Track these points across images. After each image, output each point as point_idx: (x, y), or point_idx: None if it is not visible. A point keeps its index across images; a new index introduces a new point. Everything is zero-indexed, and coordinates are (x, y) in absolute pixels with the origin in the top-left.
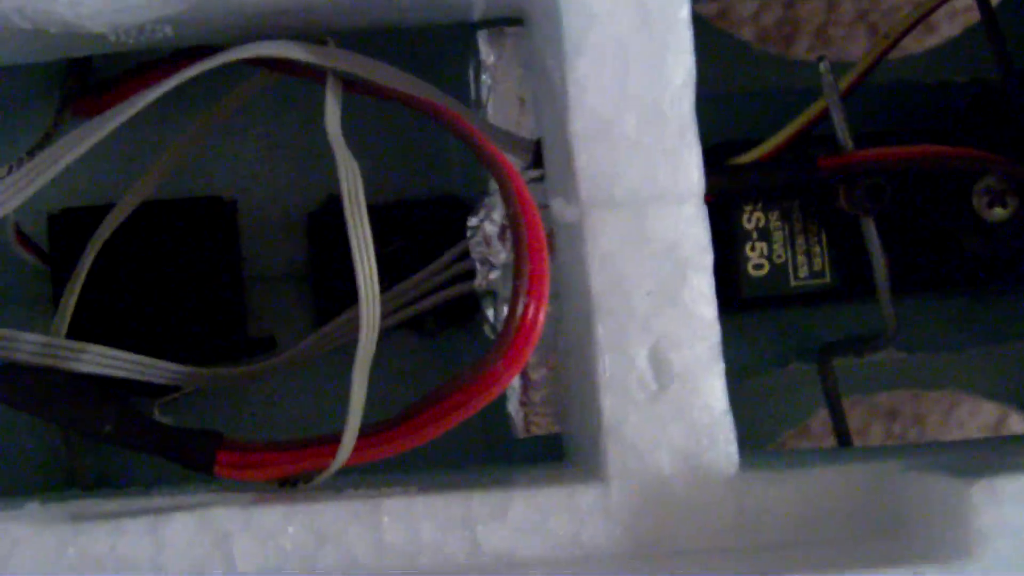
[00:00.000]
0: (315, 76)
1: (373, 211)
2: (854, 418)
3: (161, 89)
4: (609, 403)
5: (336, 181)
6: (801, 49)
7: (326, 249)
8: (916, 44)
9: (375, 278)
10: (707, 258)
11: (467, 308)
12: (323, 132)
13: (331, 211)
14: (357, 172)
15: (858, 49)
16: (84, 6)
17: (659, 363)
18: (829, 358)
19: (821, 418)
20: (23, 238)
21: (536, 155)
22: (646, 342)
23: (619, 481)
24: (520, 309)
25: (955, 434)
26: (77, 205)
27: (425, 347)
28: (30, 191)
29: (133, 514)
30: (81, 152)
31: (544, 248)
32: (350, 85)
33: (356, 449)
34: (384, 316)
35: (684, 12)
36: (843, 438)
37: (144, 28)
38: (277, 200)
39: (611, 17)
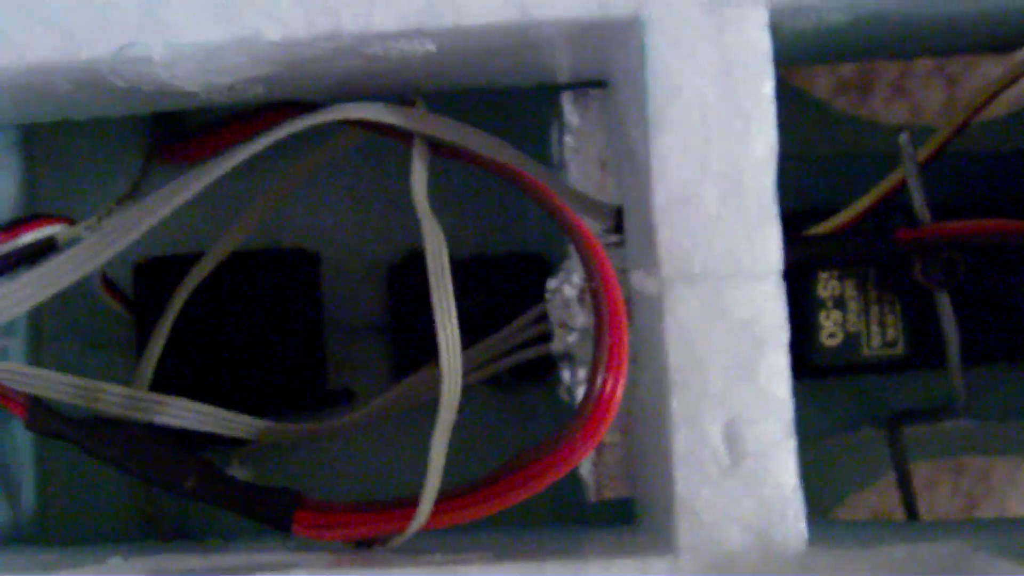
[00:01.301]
0: (402, 137)
1: (453, 265)
2: (921, 472)
3: (253, 148)
4: (682, 476)
5: (418, 235)
6: (878, 100)
7: (406, 302)
8: (992, 110)
9: (458, 346)
10: (783, 336)
11: (544, 364)
12: (407, 186)
13: (412, 265)
14: (442, 239)
15: (934, 101)
16: (179, 67)
17: (733, 439)
18: (899, 426)
19: (889, 481)
20: (109, 286)
21: (617, 220)
22: (720, 418)
23: (690, 554)
24: (599, 382)
25: (1019, 491)
26: (162, 254)
27: (500, 401)
28: (123, 244)
29: (215, 570)
30: (174, 207)
31: (624, 322)
32: (436, 147)
33: (433, 513)
34: (463, 372)
35: (768, 87)
36: (911, 507)
37: (235, 87)
38: (359, 252)
39: (695, 90)
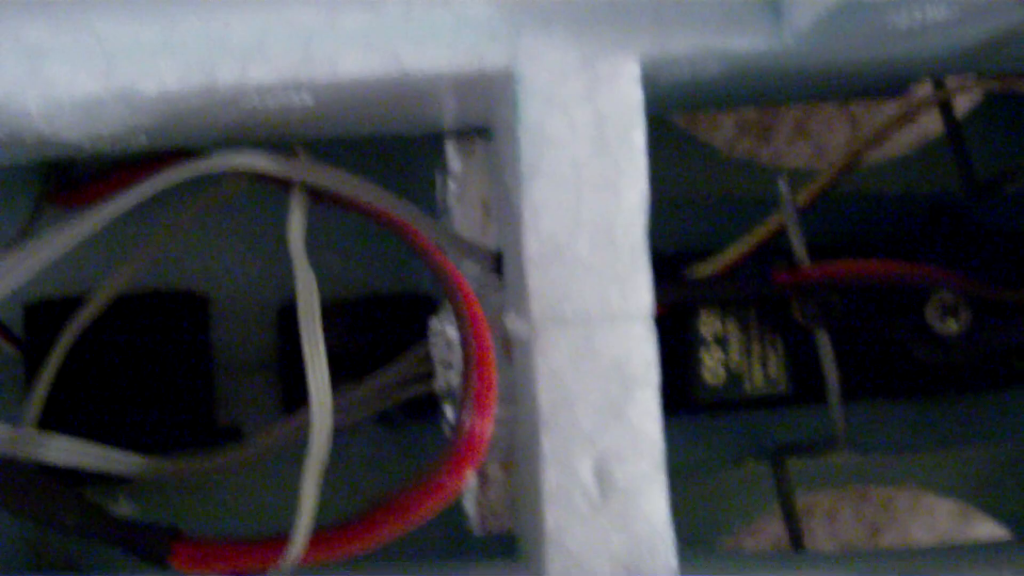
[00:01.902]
0: (284, 185)
1: (340, 305)
2: (823, 501)
3: (140, 194)
4: (553, 513)
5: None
6: (781, 140)
7: (295, 342)
8: (878, 153)
9: (327, 386)
10: (653, 375)
11: (432, 402)
12: None
13: None
14: (314, 285)
15: (838, 139)
16: (59, 120)
17: (602, 476)
18: (783, 459)
19: (776, 514)
20: (1, 329)
21: (497, 264)
22: (590, 456)
23: None
24: (467, 422)
25: (924, 518)
26: (52, 296)
27: (389, 438)
28: (11, 285)
29: None
30: (64, 249)
31: (491, 365)
32: (317, 195)
33: (309, 549)
34: (346, 410)
35: (639, 138)
36: (796, 537)
37: (118, 138)
38: (249, 292)
39: (567, 142)
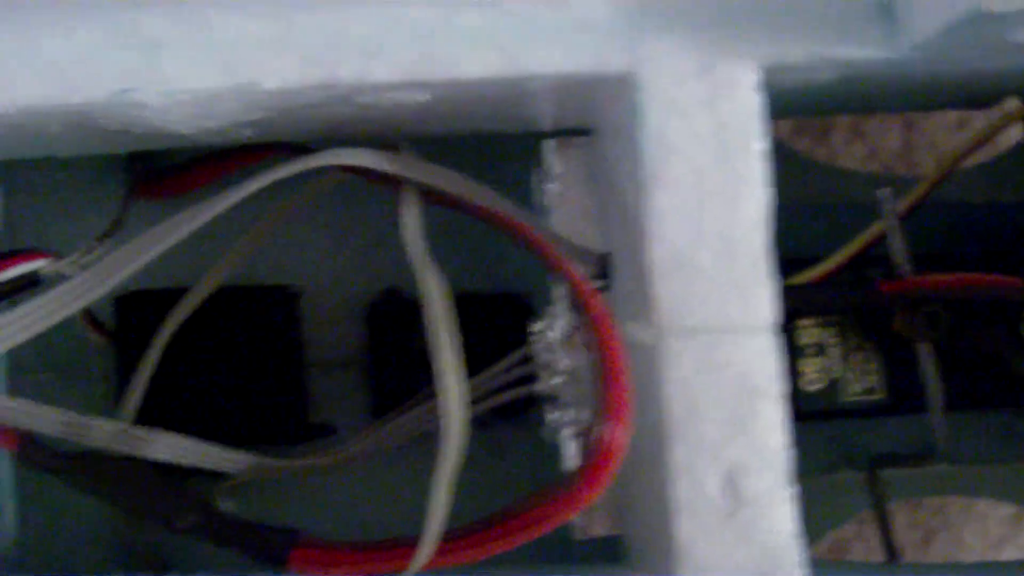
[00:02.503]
0: (388, 182)
1: None
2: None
3: (246, 190)
4: (682, 526)
5: (397, 273)
6: (838, 140)
7: (385, 339)
8: (970, 160)
9: (463, 390)
10: (777, 388)
11: (520, 404)
12: (385, 223)
13: (391, 302)
14: (442, 285)
15: (893, 142)
16: (173, 113)
17: (730, 489)
18: (878, 469)
19: (862, 520)
20: (91, 318)
21: (602, 267)
22: (718, 468)
23: None
24: (604, 433)
25: (974, 525)
26: (143, 287)
27: (477, 439)
28: (113, 282)
29: None
30: (165, 247)
31: (625, 372)
32: (422, 193)
33: (435, 554)
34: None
35: (759, 146)
36: (890, 547)
37: (225, 130)
38: (339, 288)
39: (689, 151)
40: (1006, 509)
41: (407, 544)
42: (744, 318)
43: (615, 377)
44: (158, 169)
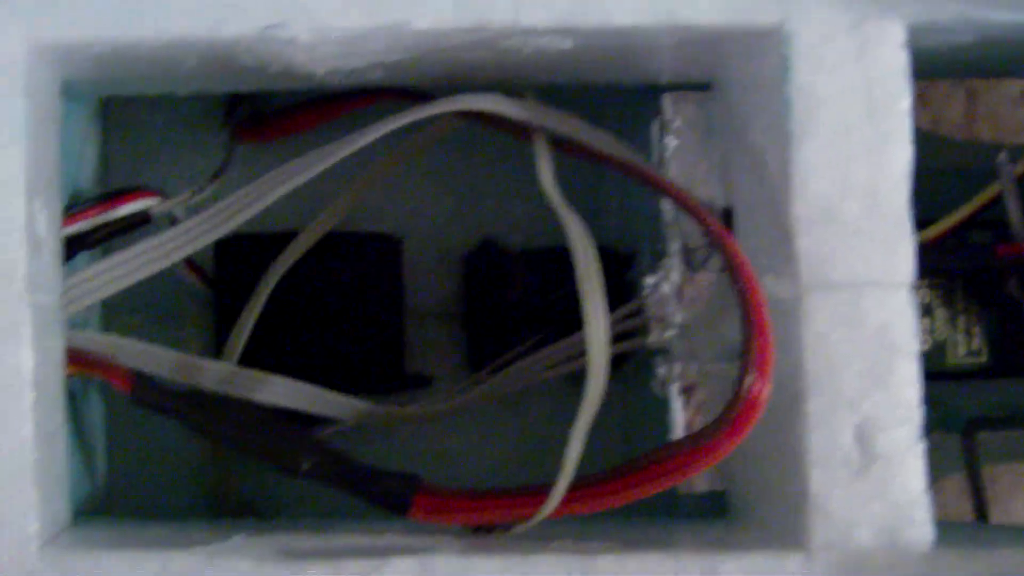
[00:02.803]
0: (515, 131)
1: (531, 255)
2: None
3: (368, 137)
4: (816, 477)
5: (494, 224)
6: None
7: (480, 291)
8: None
9: (607, 339)
10: (915, 344)
11: (618, 362)
12: (483, 174)
13: (486, 253)
14: (586, 232)
15: (955, 113)
16: (319, 50)
17: (864, 442)
18: (975, 432)
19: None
20: (190, 261)
21: (725, 222)
22: (853, 421)
23: (823, 552)
24: (748, 383)
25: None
26: (244, 232)
27: (573, 394)
28: (225, 228)
29: (349, 554)
30: (283, 192)
31: (769, 325)
32: (553, 144)
33: (563, 502)
34: (555, 366)
35: (905, 104)
36: (982, 511)
37: (358, 71)
38: (436, 239)
39: (837, 104)
40: None
41: (532, 492)
42: (886, 273)
43: (760, 329)
44: (261, 112)
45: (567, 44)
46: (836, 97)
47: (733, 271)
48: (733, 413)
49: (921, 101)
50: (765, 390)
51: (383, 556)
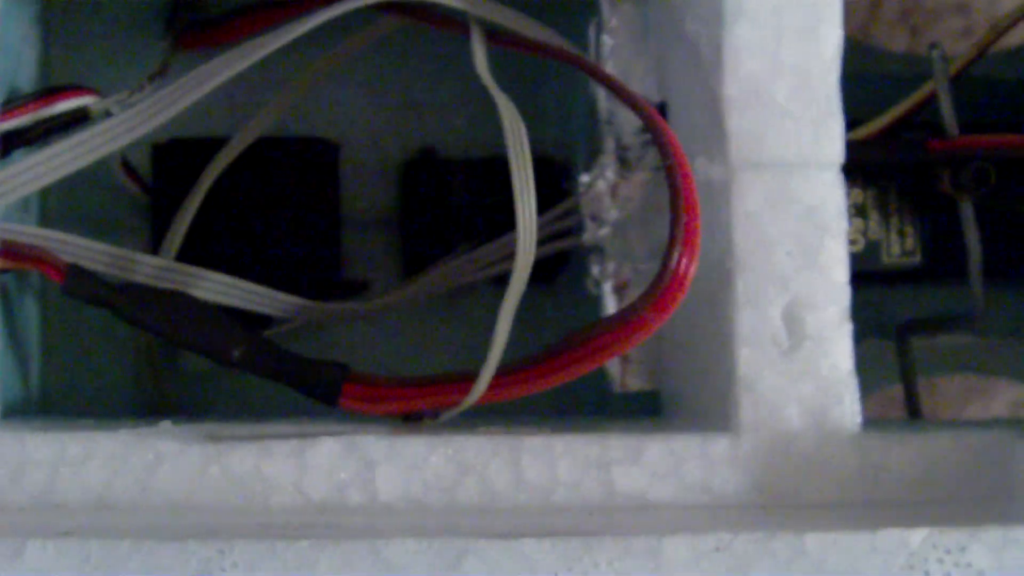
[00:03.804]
0: (451, 25)
1: (469, 165)
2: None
3: (295, 32)
4: (744, 357)
5: (432, 132)
6: (883, 28)
7: (418, 199)
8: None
9: (534, 217)
10: (843, 224)
11: (552, 267)
12: (422, 83)
13: (425, 162)
14: (518, 115)
15: (899, 48)
16: None
17: (793, 321)
18: (908, 336)
19: (885, 394)
20: (128, 167)
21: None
22: (782, 300)
23: (750, 433)
24: (674, 259)
25: (978, 405)
26: (179, 136)
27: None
28: (157, 122)
29: (276, 436)
30: (209, 89)
31: (697, 202)
32: (489, 36)
33: (491, 387)
34: (485, 267)
35: None
36: (916, 415)
37: None
38: (373, 147)
39: None
40: (1013, 392)
41: (460, 379)
42: (815, 153)
43: (688, 206)
44: (203, 18)
45: None
46: None
47: (662, 150)
48: (660, 289)
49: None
50: (692, 267)
51: (313, 437)
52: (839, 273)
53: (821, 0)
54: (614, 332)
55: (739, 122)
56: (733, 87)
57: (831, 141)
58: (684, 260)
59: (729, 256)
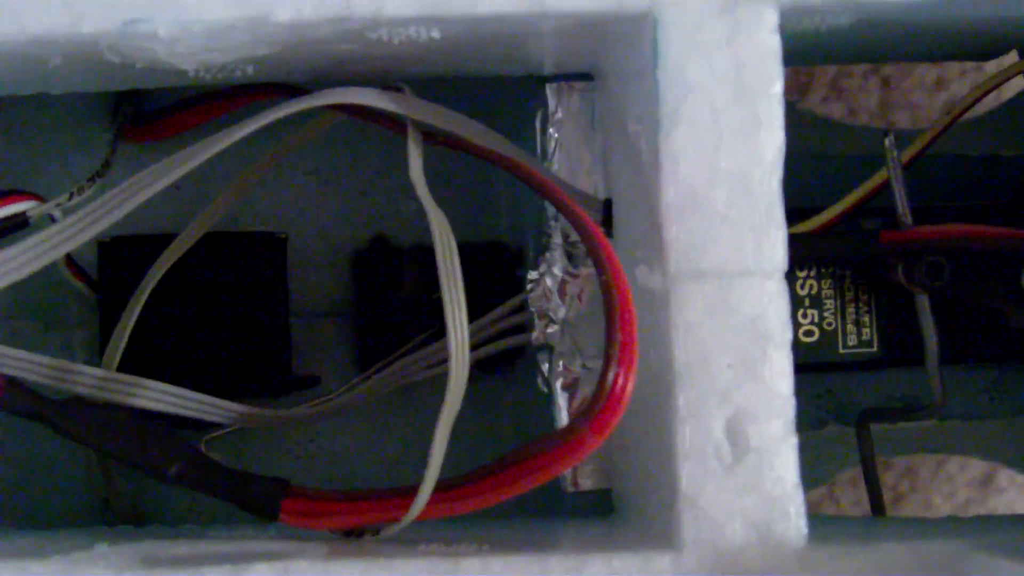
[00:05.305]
0: (390, 124)
1: (423, 253)
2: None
3: (241, 131)
4: (687, 472)
5: (383, 221)
6: (816, 99)
7: (371, 289)
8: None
9: (466, 335)
10: (787, 334)
11: (509, 357)
12: (372, 171)
13: (377, 251)
14: (447, 226)
15: (870, 101)
16: (181, 45)
17: (736, 435)
18: (868, 423)
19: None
20: (73, 265)
21: (605, 213)
22: (724, 414)
23: (693, 549)
24: (611, 378)
25: (943, 488)
26: (126, 233)
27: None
28: (101, 227)
29: (210, 561)
30: (155, 191)
31: (634, 316)
32: (427, 136)
33: (430, 503)
34: (435, 364)
35: (777, 87)
36: (877, 504)
37: (227, 67)
38: (324, 237)
39: (708, 89)
40: (974, 471)
41: (401, 494)
42: (757, 262)
43: (624, 322)
44: (146, 112)
45: (436, 34)
46: (707, 81)
47: (598, 265)
48: (597, 408)
49: (836, 91)
50: (629, 385)
51: (245, 562)
52: (783, 385)
53: (761, 103)
54: (554, 451)
55: (678, 230)
56: (671, 194)
57: (772, 248)
58: (621, 379)
59: (669, 369)
